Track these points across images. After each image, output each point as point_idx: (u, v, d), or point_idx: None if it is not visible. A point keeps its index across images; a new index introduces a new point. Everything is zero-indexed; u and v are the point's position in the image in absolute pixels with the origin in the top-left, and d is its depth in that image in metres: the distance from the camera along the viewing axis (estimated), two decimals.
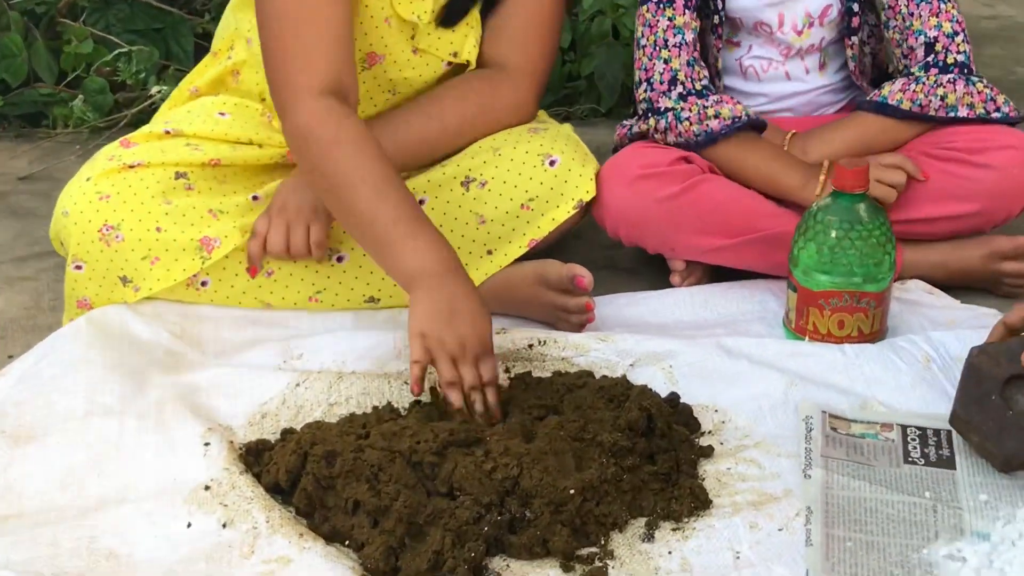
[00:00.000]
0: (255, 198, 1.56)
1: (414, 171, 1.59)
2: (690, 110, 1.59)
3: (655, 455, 1.25)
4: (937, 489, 1.22)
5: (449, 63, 1.61)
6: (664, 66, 1.61)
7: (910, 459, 1.26)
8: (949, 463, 1.26)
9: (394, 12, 1.53)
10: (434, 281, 1.31)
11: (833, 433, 1.29)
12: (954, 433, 1.29)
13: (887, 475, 1.24)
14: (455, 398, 1.28)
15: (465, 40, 1.59)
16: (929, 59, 1.58)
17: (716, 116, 1.59)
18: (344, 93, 1.42)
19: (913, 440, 1.29)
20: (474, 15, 1.58)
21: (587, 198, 1.56)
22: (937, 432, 1.30)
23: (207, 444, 1.28)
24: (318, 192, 1.44)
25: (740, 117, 1.59)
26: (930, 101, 1.57)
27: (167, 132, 1.59)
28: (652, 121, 1.62)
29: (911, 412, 1.34)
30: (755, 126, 1.61)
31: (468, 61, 1.60)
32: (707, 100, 1.60)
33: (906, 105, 1.57)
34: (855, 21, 1.61)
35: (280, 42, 1.41)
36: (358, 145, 1.37)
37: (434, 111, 1.58)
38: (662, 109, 1.61)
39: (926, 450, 1.28)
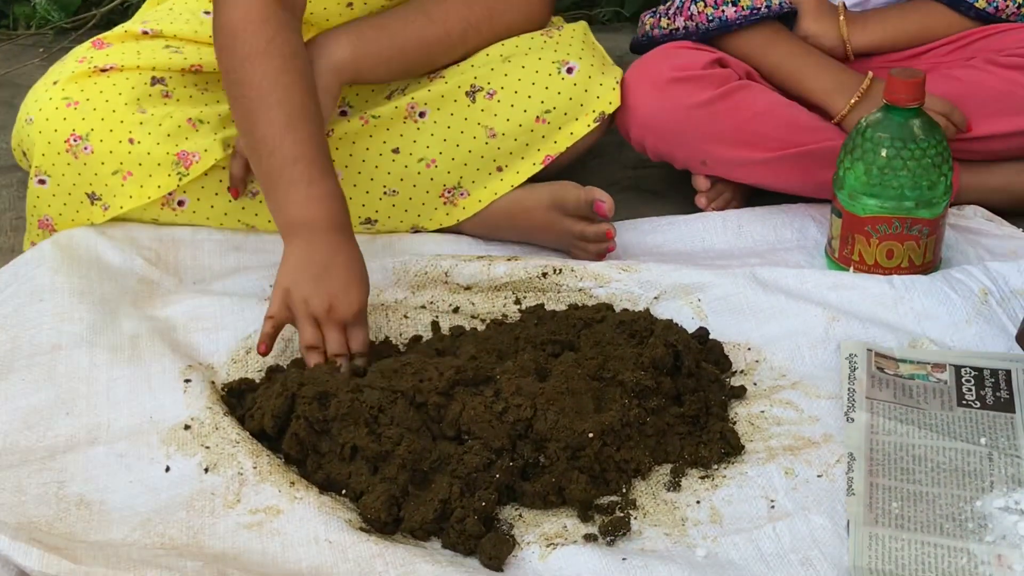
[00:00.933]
0: None
1: (412, 81, 1.58)
2: None
3: (682, 396, 1.25)
4: (994, 435, 1.22)
5: None
6: None
7: (964, 402, 1.27)
8: (1008, 406, 1.26)
9: None
10: (316, 236, 1.31)
11: (879, 373, 1.30)
12: (1015, 373, 1.29)
13: (938, 419, 1.24)
14: (311, 360, 1.27)
15: None
16: None
17: (734, 3, 1.59)
18: (291, 1, 1.41)
19: (968, 381, 1.29)
20: None
21: (609, 110, 1.56)
22: (995, 372, 1.30)
23: (187, 381, 1.28)
24: (229, 98, 1.41)
25: (760, 8, 1.58)
26: (1007, 4, 1.59)
27: (145, 32, 1.58)
28: (671, 2, 1.63)
29: (966, 351, 1.35)
30: (782, 17, 1.60)
31: None
32: None
33: (981, 4, 1.60)
34: None
35: None
36: (287, 63, 1.37)
37: (437, 13, 1.57)
38: None
39: (982, 392, 1.28)
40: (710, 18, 1.60)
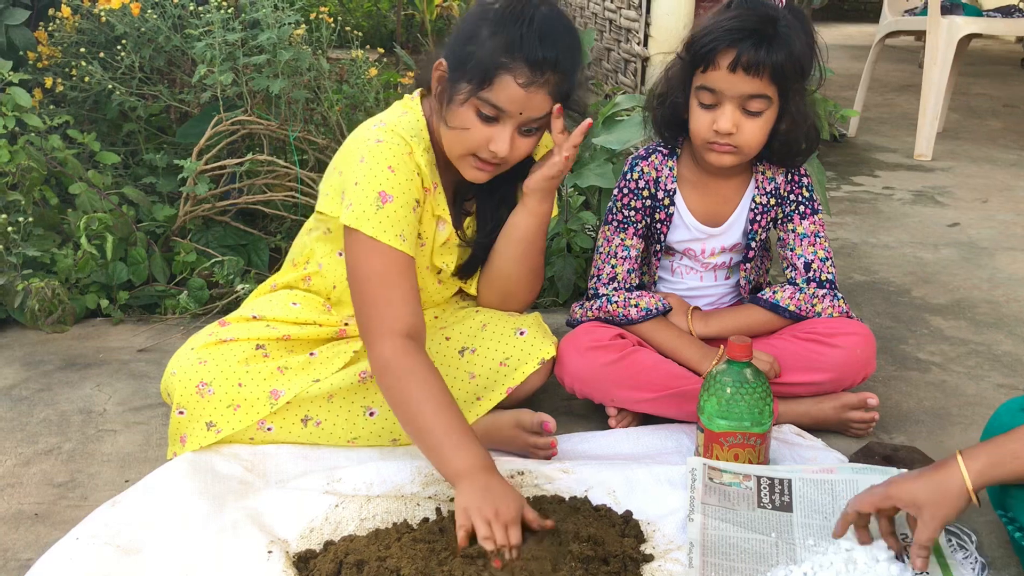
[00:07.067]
0: (312, 354, 1.53)
1: (432, 342, 1.55)
2: (619, 298, 1.62)
3: (608, 559, 1.20)
4: (779, 530, 1.24)
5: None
6: (611, 269, 1.64)
7: (762, 504, 1.26)
8: (788, 507, 1.27)
9: (431, 262, 1.56)
10: (475, 475, 1.23)
11: (710, 483, 1.28)
12: (794, 482, 1.31)
13: (745, 517, 1.24)
14: (488, 546, 1.17)
15: (472, 282, 1.63)
16: (809, 274, 1.62)
17: (636, 306, 1.61)
18: (416, 334, 1.36)
19: (764, 488, 1.29)
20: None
21: (547, 357, 1.55)
22: (781, 481, 1.32)
23: (270, 552, 1.23)
24: (391, 405, 1.33)
25: (652, 310, 1.61)
26: (807, 308, 1.60)
27: (254, 317, 1.59)
28: (592, 301, 1.65)
29: (763, 467, 1.35)
30: (665, 313, 1.63)
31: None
32: (632, 294, 1.62)
33: (792, 308, 1.60)
34: (750, 254, 1.66)
35: (370, 296, 1.37)
36: (425, 376, 1.31)
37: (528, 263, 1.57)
38: (600, 294, 1.64)
39: (773, 496, 1.28)
40: (621, 315, 1.61)
